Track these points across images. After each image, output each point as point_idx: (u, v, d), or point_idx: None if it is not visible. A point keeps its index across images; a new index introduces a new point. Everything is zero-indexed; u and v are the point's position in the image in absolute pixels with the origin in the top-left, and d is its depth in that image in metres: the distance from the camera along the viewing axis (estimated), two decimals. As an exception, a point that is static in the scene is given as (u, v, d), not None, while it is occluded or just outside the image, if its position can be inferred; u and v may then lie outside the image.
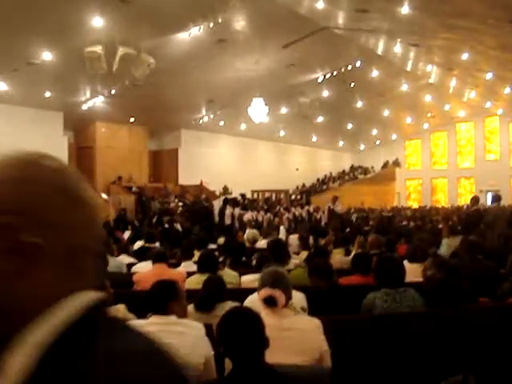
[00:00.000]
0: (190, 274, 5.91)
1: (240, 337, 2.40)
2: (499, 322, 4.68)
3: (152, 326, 3.18)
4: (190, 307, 4.27)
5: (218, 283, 4.35)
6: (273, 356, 2.59)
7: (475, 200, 13.20)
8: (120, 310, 4.14)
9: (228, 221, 17.78)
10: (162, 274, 5.53)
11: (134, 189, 22.97)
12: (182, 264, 6.89)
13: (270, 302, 3.25)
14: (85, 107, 20.80)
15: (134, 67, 17.15)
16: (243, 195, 22.65)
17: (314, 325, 3.34)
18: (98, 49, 14.65)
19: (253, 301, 3.73)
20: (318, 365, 3.19)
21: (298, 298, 4.38)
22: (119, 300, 4.20)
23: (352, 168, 38.89)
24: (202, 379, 3.12)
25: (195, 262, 6.39)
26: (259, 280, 3.48)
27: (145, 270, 6.28)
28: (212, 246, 9.45)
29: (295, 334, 3.22)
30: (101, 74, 16.17)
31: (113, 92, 19.33)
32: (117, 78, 17.20)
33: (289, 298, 3.43)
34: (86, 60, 14.75)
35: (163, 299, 3.29)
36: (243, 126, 25.96)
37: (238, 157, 29.66)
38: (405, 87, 25.55)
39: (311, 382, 2.49)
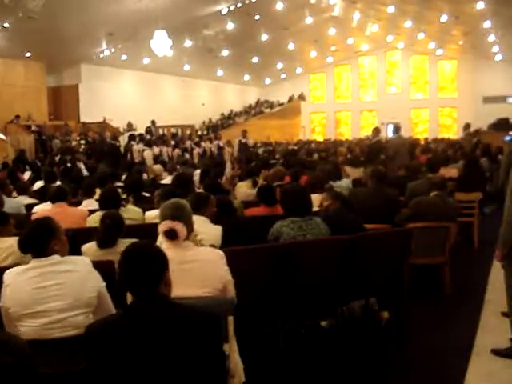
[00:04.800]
0: (92, 213, 5.74)
1: (138, 271, 2.34)
2: (396, 246, 4.86)
3: (34, 270, 3.03)
4: (93, 245, 4.17)
5: (115, 217, 4.23)
6: (175, 289, 2.55)
7: (376, 131, 13.55)
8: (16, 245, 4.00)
9: (137, 157, 17.43)
10: (61, 213, 5.35)
11: (33, 128, 21.95)
12: (84, 202, 6.70)
13: (170, 234, 3.18)
14: (-24, 42, 19.48)
15: (28, -3, 16.20)
16: (149, 129, 22.21)
17: (216, 256, 3.32)
18: (-11, -22, 13.69)
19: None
20: (221, 295, 3.19)
21: (214, 231, 4.37)
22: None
23: (258, 102, 38.85)
24: (97, 312, 3.05)
25: (97, 200, 6.23)
26: (159, 213, 3.41)
27: (44, 210, 6.05)
28: (118, 184, 9.25)
29: (197, 265, 3.19)
30: (-8, 6, 15.17)
31: (6, 25, 18.12)
32: (9, 9, 16.16)
33: (191, 230, 3.39)
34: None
35: (41, 240, 3.08)
36: (146, 61, 25.19)
37: (142, 92, 28.87)
38: (309, 20, 25.49)
39: (213, 312, 2.47)
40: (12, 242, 4.01)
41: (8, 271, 3.09)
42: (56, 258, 3.07)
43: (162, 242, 3.32)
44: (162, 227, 3.19)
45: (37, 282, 2.99)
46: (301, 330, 4.75)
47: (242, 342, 3.17)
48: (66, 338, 2.99)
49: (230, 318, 2.95)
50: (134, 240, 4.00)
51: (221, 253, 3.35)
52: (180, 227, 3.14)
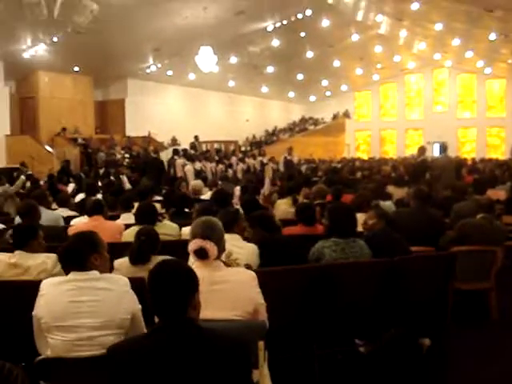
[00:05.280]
0: (128, 227, 5.69)
1: (165, 292, 2.23)
2: (440, 269, 4.66)
3: (72, 283, 2.97)
4: (125, 260, 4.10)
5: (150, 234, 4.15)
6: (204, 311, 2.44)
7: (422, 150, 13.26)
8: (49, 261, 3.95)
9: (180, 172, 17.47)
10: (97, 227, 5.31)
11: (79, 140, 22.31)
12: (122, 216, 6.66)
13: (200, 254, 3.07)
14: (26, 56, 19.82)
15: (76, 13, 16.47)
16: (193, 144, 22.30)
17: (247, 277, 3.19)
18: (38, -6, 13.96)
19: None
20: (252, 319, 3.05)
21: (248, 249, 4.24)
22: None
23: (302, 119, 38.73)
24: (129, 334, 2.96)
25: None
26: (190, 231, 3.30)
27: (81, 223, 6.04)
28: (157, 198, 9.25)
29: (227, 287, 3.07)
30: (41, 21, 15.44)
31: (55, 40, 18.48)
32: (58, 24, 16.46)
33: (222, 249, 3.26)
34: (25, 6, 14.03)
35: (81, 253, 3.05)
36: (192, 76, 25.38)
37: (187, 107, 29.10)
38: (355, 37, 25.30)
39: (243, 337, 2.34)
40: (44, 258, 3.97)
41: (45, 281, 3.07)
42: (95, 273, 3.02)
43: (193, 261, 3.21)
44: (192, 246, 3.08)
45: (72, 295, 2.94)
46: (337, 356, 4.57)
47: (276, 367, 3.03)
48: (93, 358, 2.90)
49: (261, 343, 2.81)
50: (167, 257, 3.94)
51: (253, 274, 3.22)
52: (210, 246, 3.03)
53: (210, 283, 2.98)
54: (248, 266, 3.71)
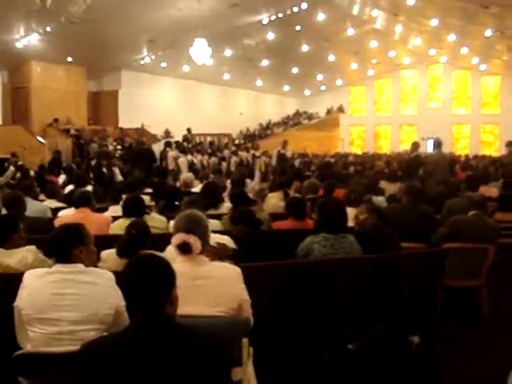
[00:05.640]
0: (116, 219, 5.61)
1: (141, 286, 2.15)
2: (430, 266, 4.61)
3: (55, 275, 2.90)
4: (113, 252, 4.04)
5: (141, 228, 4.08)
6: (186, 307, 2.37)
7: (415, 146, 13.21)
8: (29, 255, 3.84)
9: (172, 165, 17.38)
10: (83, 219, 5.22)
11: (71, 131, 22.17)
12: (110, 208, 6.57)
13: (183, 248, 2.99)
14: (19, 45, 19.66)
15: (70, 2, 16.33)
16: (186, 137, 22.18)
17: (232, 272, 3.11)
18: (31, -17, 13.85)
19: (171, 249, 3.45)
20: (235, 315, 2.98)
21: (224, 242, 4.17)
22: (38, 246, 3.90)
23: (296, 113, 38.64)
24: (112, 330, 2.88)
25: (122, 206, 6.09)
26: (173, 224, 3.21)
27: (67, 215, 5.94)
28: (148, 190, 9.15)
29: (211, 282, 2.99)
30: (34, 10, 15.31)
31: (48, 29, 18.33)
32: (52, 14, 16.32)
33: (206, 243, 3.18)
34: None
35: (66, 245, 2.97)
36: (186, 68, 25.27)
37: (181, 100, 28.99)
38: (350, 32, 25.26)
39: (224, 334, 2.28)
40: (24, 253, 3.86)
41: (28, 272, 3.00)
42: (80, 266, 2.96)
43: (170, 251, 3.13)
44: (175, 240, 3.00)
45: (55, 287, 2.87)
46: (325, 353, 4.51)
47: (261, 364, 2.97)
48: (74, 353, 2.81)
49: (245, 340, 2.74)
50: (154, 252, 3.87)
51: (237, 269, 3.14)
52: (194, 240, 2.95)
53: (193, 278, 2.91)
54: (235, 250, 3.66)
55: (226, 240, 4.22)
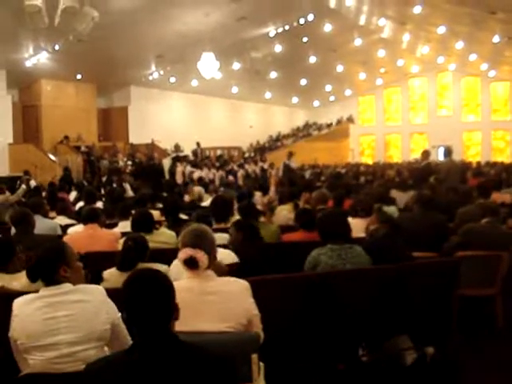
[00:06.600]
0: (125, 235, 5.58)
1: (141, 302, 2.11)
2: (443, 276, 4.54)
3: (43, 299, 2.82)
4: (113, 270, 4.05)
5: (137, 240, 4.07)
6: (194, 323, 2.33)
7: (426, 154, 13.14)
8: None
9: (180, 179, 17.43)
10: (92, 235, 5.23)
11: (82, 148, 22.26)
12: (120, 224, 6.55)
13: (190, 263, 2.95)
14: (29, 64, 19.84)
15: (77, 21, 16.42)
16: (195, 151, 22.21)
17: (240, 287, 3.05)
18: (38, 2, 13.89)
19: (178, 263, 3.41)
20: (245, 331, 2.93)
21: (224, 255, 4.13)
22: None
23: (306, 125, 38.64)
24: (113, 345, 2.84)
25: (132, 222, 6.08)
26: (180, 239, 3.17)
27: (77, 231, 5.93)
28: (160, 205, 9.13)
29: (219, 297, 2.93)
30: (43, 29, 15.40)
31: (57, 48, 18.47)
32: (60, 32, 16.42)
33: (214, 258, 3.14)
34: (26, 14, 13.99)
35: (48, 267, 2.88)
36: (195, 83, 25.38)
37: (190, 114, 29.05)
38: (358, 42, 25.27)
39: (235, 350, 2.23)
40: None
41: (16, 300, 2.89)
42: (67, 286, 2.86)
43: (176, 265, 3.09)
44: (182, 255, 2.95)
45: (46, 312, 2.78)
46: (338, 366, 4.44)
47: (274, 379, 2.91)
48: (77, 373, 2.76)
49: (254, 356, 2.68)
50: (161, 266, 3.84)
51: (246, 283, 3.08)
52: (201, 255, 2.90)
53: (201, 294, 2.87)
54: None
55: (227, 254, 4.19)
